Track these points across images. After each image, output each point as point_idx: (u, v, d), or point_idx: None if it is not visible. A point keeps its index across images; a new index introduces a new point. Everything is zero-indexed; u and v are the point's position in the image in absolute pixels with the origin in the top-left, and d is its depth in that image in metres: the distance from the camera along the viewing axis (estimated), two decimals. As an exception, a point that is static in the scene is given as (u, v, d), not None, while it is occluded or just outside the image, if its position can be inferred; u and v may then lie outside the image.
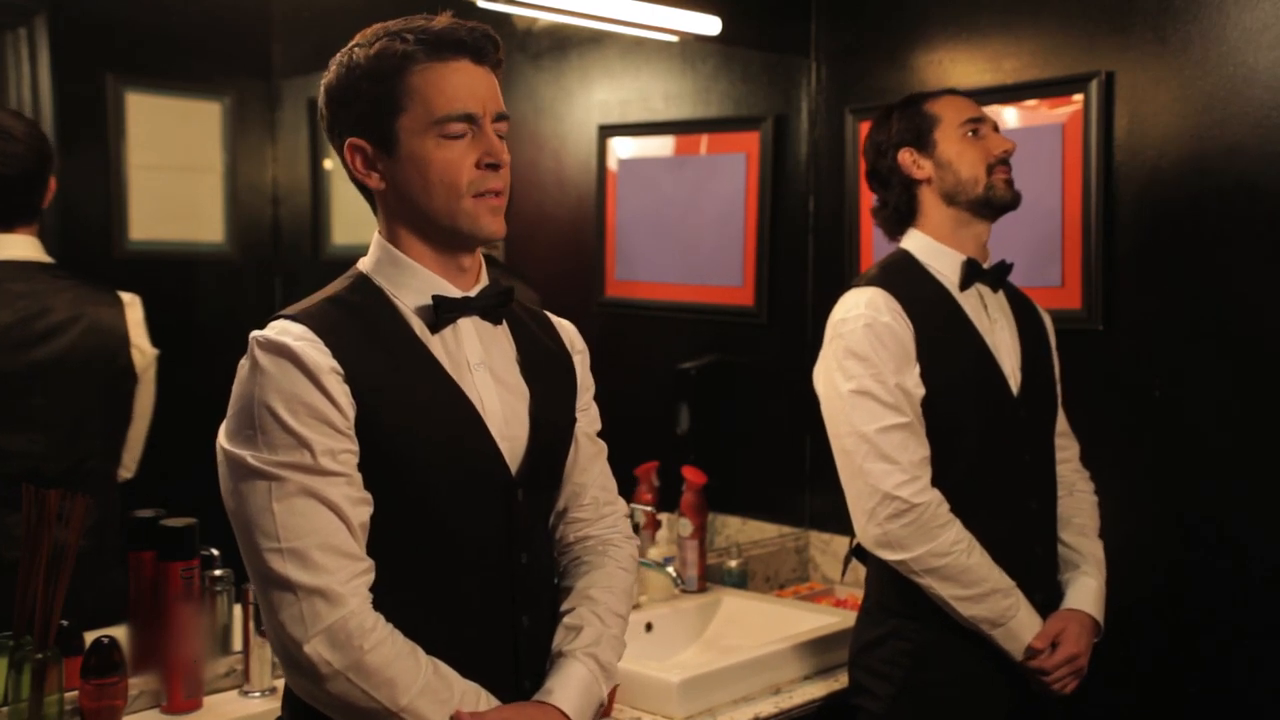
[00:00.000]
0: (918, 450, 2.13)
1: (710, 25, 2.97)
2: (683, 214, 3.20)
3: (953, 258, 2.25)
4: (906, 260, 2.27)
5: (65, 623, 1.91)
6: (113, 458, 2.17)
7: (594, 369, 1.77)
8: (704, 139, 3.25)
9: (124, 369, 2.16)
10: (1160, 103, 2.61)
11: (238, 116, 2.40)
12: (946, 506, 2.13)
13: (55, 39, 2.13)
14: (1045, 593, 2.25)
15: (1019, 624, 2.15)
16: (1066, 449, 2.41)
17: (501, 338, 1.62)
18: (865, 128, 3.08)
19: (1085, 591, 2.27)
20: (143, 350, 2.18)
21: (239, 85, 2.40)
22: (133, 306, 2.17)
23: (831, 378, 2.19)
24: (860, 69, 3.13)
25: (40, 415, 2.07)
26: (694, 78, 3.19)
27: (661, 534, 2.96)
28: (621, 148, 3.14)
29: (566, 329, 1.75)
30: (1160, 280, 2.63)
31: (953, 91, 2.37)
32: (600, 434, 1.77)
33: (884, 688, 2.21)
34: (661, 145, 3.24)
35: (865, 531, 2.16)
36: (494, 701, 1.50)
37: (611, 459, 1.78)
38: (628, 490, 1.85)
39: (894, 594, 2.20)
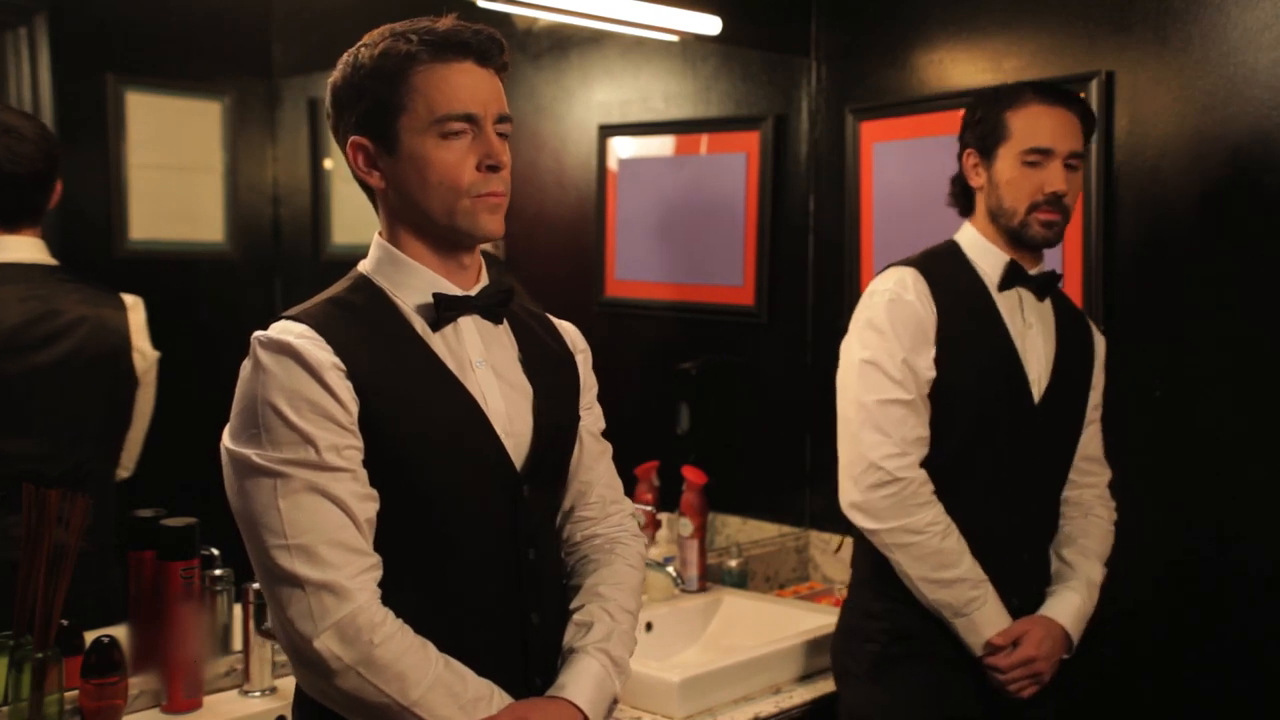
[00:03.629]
0: (915, 429, 2.15)
1: (710, 25, 2.97)
2: (683, 214, 3.20)
3: (998, 257, 2.24)
4: (952, 250, 2.28)
5: (65, 622, 1.91)
6: (111, 459, 2.17)
7: (594, 369, 1.77)
8: (704, 139, 3.25)
9: (125, 372, 2.16)
10: (1160, 103, 2.61)
11: (238, 116, 2.40)
12: (930, 488, 2.14)
13: (55, 39, 2.13)
14: (1023, 598, 2.22)
15: (982, 617, 2.14)
16: (1095, 474, 2.37)
17: (503, 336, 1.62)
18: (865, 127, 3.11)
19: (1065, 605, 2.23)
20: (144, 353, 2.17)
21: (239, 85, 2.40)
22: (135, 309, 2.16)
23: (849, 345, 2.23)
24: (860, 69, 3.13)
25: (41, 418, 2.06)
26: (694, 78, 3.19)
27: (661, 534, 2.96)
28: (621, 148, 3.14)
29: (568, 330, 1.76)
30: (1160, 280, 2.63)
31: (1053, 100, 2.20)
32: (603, 433, 1.77)
33: (862, 666, 2.23)
34: (661, 145, 3.24)
35: (845, 494, 2.19)
36: (507, 699, 1.50)
37: (612, 458, 1.78)
38: (628, 490, 1.85)
39: (875, 576, 2.21)
